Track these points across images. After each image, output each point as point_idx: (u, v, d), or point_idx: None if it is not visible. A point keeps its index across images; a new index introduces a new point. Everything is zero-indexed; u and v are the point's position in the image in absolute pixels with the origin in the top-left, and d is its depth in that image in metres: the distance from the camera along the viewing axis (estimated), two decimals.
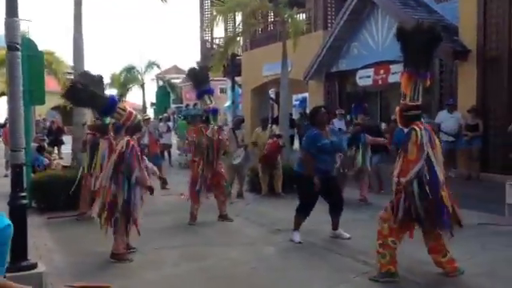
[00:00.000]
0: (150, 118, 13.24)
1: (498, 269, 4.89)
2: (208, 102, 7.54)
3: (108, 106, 5.67)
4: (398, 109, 4.81)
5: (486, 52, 10.94)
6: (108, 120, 7.98)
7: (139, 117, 5.93)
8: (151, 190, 5.73)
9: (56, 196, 8.20)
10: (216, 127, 7.43)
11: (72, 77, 8.33)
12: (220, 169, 7.47)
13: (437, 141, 4.73)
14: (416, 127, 4.61)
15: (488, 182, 10.04)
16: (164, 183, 10.54)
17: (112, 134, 7.17)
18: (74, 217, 7.72)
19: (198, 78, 7.73)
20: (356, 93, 10.53)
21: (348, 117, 13.09)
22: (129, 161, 5.36)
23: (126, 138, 5.50)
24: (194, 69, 8.19)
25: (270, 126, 10.40)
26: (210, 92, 7.73)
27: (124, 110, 5.65)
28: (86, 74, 7.08)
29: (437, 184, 4.49)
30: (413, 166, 4.51)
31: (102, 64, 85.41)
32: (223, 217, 7.49)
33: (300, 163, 6.31)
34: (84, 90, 5.67)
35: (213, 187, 7.39)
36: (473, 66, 11.16)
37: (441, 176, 4.55)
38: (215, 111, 7.60)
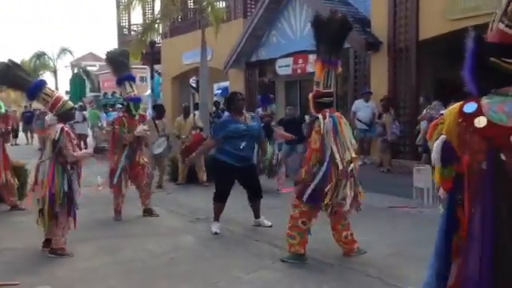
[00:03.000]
0: None
1: (406, 248, 5.16)
2: (129, 89, 7.01)
3: (31, 89, 5.31)
4: (311, 95, 4.90)
5: (395, 44, 11.49)
6: (3, 109, 7.57)
7: (70, 103, 5.57)
8: (99, 150, 5.82)
9: None
10: (137, 117, 7.03)
11: None
12: (142, 160, 7.07)
13: (346, 126, 4.82)
14: (320, 116, 4.71)
15: (398, 168, 10.59)
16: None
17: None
18: None
19: (117, 62, 7.16)
20: (262, 83, 10.50)
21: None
22: (63, 149, 5.09)
23: (60, 125, 5.19)
24: (111, 52, 7.43)
25: (193, 114, 10.17)
26: (131, 79, 7.17)
27: (50, 95, 5.31)
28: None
29: (326, 173, 4.58)
30: (315, 155, 4.61)
31: (9, 50, 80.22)
32: (148, 211, 7.11)
33: (218, 150, 6.22)
34: (13, 71, 5.32)
35: (133, 179, 7.05)
36: (384, 57, 11.67)
37: (342, 163, 4.58)
38: (137, 100, 7.10)
